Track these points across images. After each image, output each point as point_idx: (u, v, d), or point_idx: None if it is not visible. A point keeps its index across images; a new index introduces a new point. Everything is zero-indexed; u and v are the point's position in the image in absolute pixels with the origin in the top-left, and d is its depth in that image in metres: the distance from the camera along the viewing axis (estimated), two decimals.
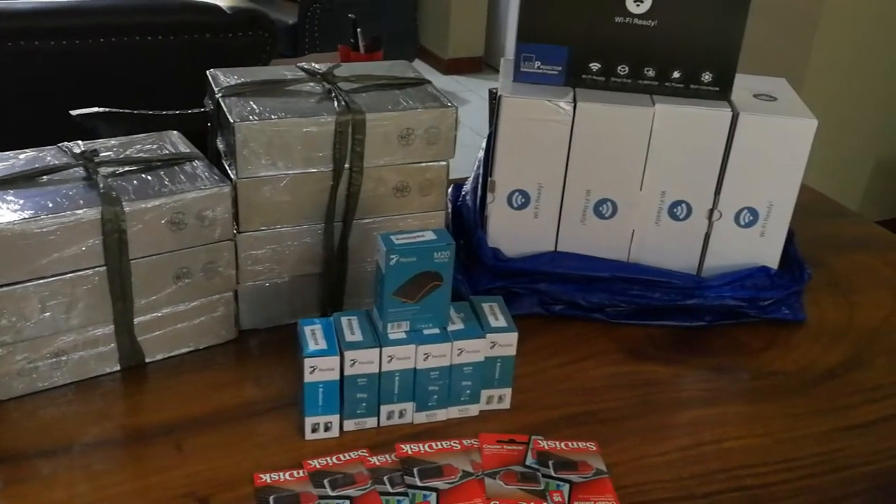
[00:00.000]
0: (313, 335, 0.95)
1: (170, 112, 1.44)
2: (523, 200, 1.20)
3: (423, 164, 1.13)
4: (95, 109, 1.40)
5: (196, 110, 1.48)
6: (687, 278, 1.21)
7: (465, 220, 1.25)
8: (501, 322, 1.00)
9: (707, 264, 1.22)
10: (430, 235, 0.95)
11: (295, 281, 1.14)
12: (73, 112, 1.38)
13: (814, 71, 3.13)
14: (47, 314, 0.96)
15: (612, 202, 1.19)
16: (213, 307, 1.08)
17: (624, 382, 1.09)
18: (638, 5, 1.14)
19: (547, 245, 1.22)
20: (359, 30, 3.20)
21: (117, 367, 1.04)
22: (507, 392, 1.02)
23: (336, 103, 1.09)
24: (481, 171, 1.30)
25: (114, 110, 1.41)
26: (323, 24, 4.33)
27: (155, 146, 1.11)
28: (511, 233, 1.21)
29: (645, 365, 1.12)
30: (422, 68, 4.99)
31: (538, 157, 1.17)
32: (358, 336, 0.96)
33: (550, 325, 1.18)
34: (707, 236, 1.21)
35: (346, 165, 1.09)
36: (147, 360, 1.06)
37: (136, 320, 1.03)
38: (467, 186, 1.30)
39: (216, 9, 2.37)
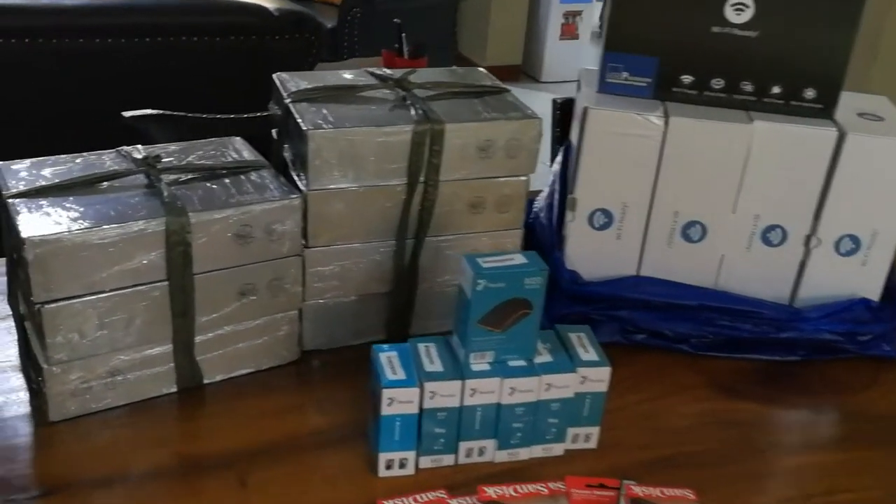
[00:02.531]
0: (390, 363, 0.88)
1: (225, 116, 1.38)
2: (605, 220, 1.12)
3: (502, 179, 1.06)
4: (148, 112, 1.34)
5: (252, 114, 1.42)
6: (780, 309, 1.12)
7: (540, 240, 1.17)
8: (592, 355, 0.92)
9: (801, 294, 1.14)
10: (519, 259, 0.87)
11: (361, 300, 1.07)
12: (126, 114, 1.32)
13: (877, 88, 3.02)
14: (104, 331, 0.90)
15: (701, 224, 1.11)
16: (276, 326, 1.01)
17: (716, 421, 1.01)
18: (738, 14, 1.06)
19: (629, 269, 1.14)
20: (403, 35, 3.14)
21: (174, 389, 0.97)
22: (595, 431, 0.94)
23: (413, 111, 1.02)
24: (557, 186, 1.22)
25: (167, 112, 1.35)
26: (362, 28, 4.27)
27: (217, 152, 1.04)
28: (591, 255, 1.13)
29: (737, 402, 1.04)
30: None
31: (624, 174, 1.09)
32: (438, 366, 0.88)
33: (632, 356, 1.10)
34: (802, 264, 1.12)
35: (421, 179, 1.02)
36: (205, 381, 0.99)
37: (196, 339, 0.96)
38: (541, 202, 1.23)
39: (262, 10, 2.31)
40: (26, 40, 1.94)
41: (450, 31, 4.90)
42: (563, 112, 1.58)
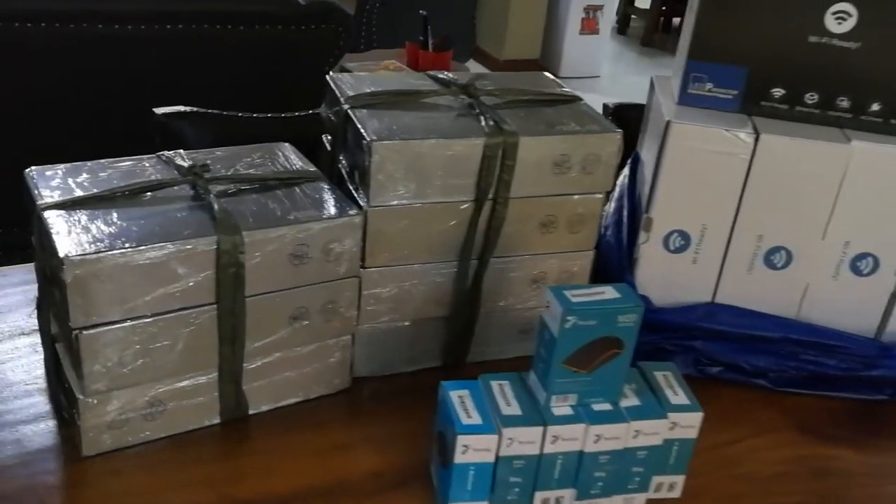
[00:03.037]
0: (462, 404, 0.79)
1: (263, 115, 1.29)
2: (682, 243, 1.03)
3: (577, 197, 0.97)
4: (181, 109, 1.25)
5: (293, 114, 1.33)
6: (867, 344, 1.04)
7: (608, 261, 1.08)
8: (682, 398, 0.84)
9: (890, 328, 1.05)
10: (610, 293, 0.79)
11: (417, 325, 0.98)
12: (158, 110, 1.23)
13: None
14: (146, 359, 0.81)
15: (786, 251, 1.02)
16: (328, 352, 0.93)
17: (806, 470, 0.92)
18: (840, 23, 0.97)
19: (704, 295, 1.06)
20: (429, 28, 3.04)
21: (217, 420, 0.89)
22: (681, 479, 0.85)
23: (483, 122, 0.93)
24: (626, 202, 1.13)
25: (201, 110, 1.26)
26: (380, 19, 4.17)
27: (267, 160, 0.95)
28: (664, 279, 1.05)
29: (826, 447, 0.95)
30: (476, 69, 4.83)
31: (706, 193, 1.01)
32: (515, 408, 0.80)
33: (706, 390, 1.00)
34: (893, 296, 1.04)
35: (490, 195, 0.93)
36: (250, 411, 0.91)
37: (244, 366, 0.88)
38: (607, 219, 1.14)
39: None
40: (44, 24, 1.86)
41: (468, 24, 4.80)
42: (616, 118, 1.49)
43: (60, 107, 1.82)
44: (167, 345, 0.81)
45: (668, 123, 0.98)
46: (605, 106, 1.56)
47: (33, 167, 0.88)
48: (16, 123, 1.78)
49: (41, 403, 0.89)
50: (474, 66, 4.82)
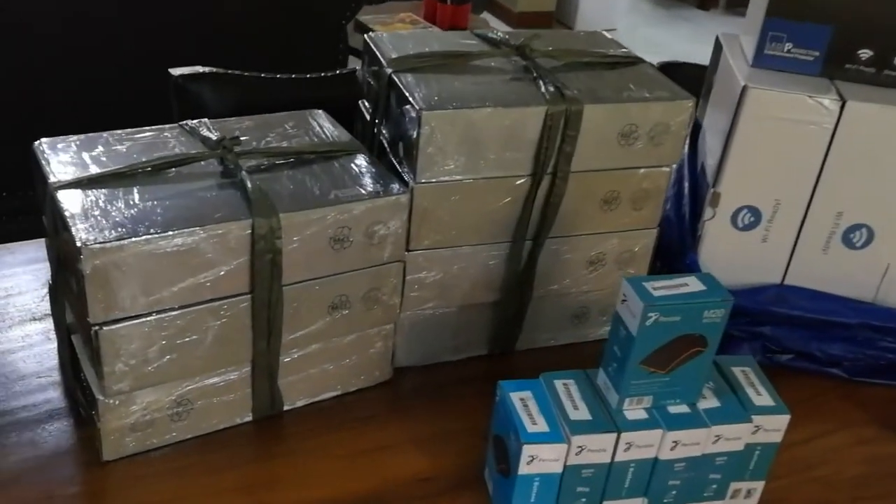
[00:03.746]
0: (526, 408, 0.71)
1: (288, 76, 1.19)
2: (752, 219, 0.94)
3: (643, 170, 0.88)
4: (200, 69, 1.15)
5: (321, 74, 1.23)
6: None
7: (668, 239, 0.99)
8: (766, 398, 0.75)
9: None
10: (695, 284, 0.70)
11: (463, 311, 0.90)
12: (175, 71, 1.13)
13: None
14: (173, 355, 0.73)
15: (867, 228, 0.93)
16: (369, 342, 0.85)
17: (894, 470, 0.85)
18: None
19: (774, 276, 0.97)
20: None
21: (249, 418, 0.81)
22: (759, 486, 0.78)
23: (542, 87, 0.83)
24: (686, 173, 1.04)
25: (222, 71, 1.16)
26: None
27: (300, 130, 0.86)
28: (731, 259, 0.96)
29: None
30: (491, 22, 4.68)
31: (782, 166, 0.91)
32: (584, 412, 0.71)
33: (776, 380, 0.92)
34: None
35: (549, 169, 0.84)
36: (285, 407, 0.83)
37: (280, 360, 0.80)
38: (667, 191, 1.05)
39: None
40: None
41: None
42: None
43: (67, 65, 1.71)
44: (196, 339, 0.73)
45: (744, 89, 0.88)
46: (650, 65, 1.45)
47: (43, 139, 0.79)
48: (19, 82, 1.68)
49: (56, 399, 0.81)
50: (489, 20, 4.67)
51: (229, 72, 1.17)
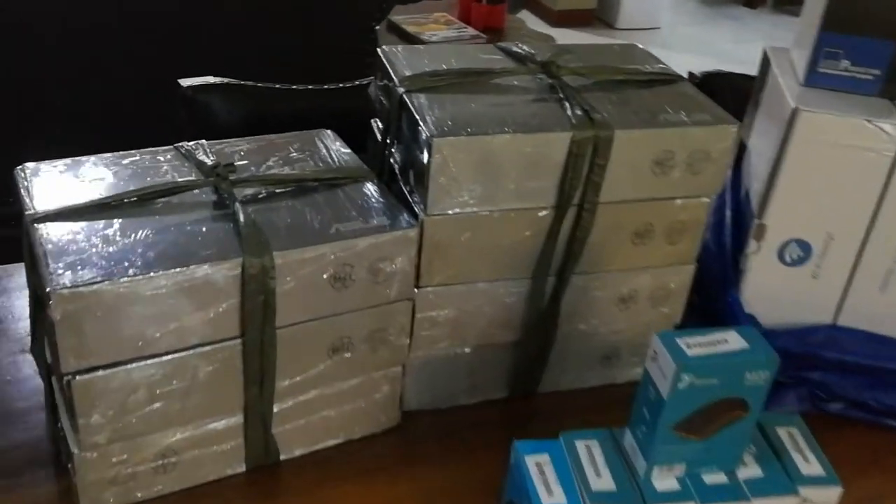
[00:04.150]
0: (542, 475, 0.64)
1: (305, 87, 1.13)
2: (801, 254, 0.86)
3: (679, 201, 0.80)
4: (210, 80, 1.09)
5: (337, 85, 1.16)
6: None
7: (707, 272, 0.91)
8: (815, 466, 0.67)
9: None
10: (735, 341, 0.62)
11: (480, 351, 0.82)
12: (184, 82, 1.08)
13: None
14: (157, 405, 0.67)
15: None
16: (374, 387, 0.78)
17: None
18: None
19: (824, 317, 0.88)
20: None
21: (242, 469, 0.75)
22: None
23: (569, 110, 0.76)
24: (728, 199, 0.95)
25: (233, 82, 1.10)
26: None
27: (304, 153, 0.79)
28: (777, 296, 0.87)
29: None
30: (530, 20, 4.58)
31: (836, 196, 0.82)
32: (607, 481, 0.64)
33: (826, 432, 0.83)
34: None
35: (575, 200, 0.76)
36: (282, 457, 0.76)
37: (274, 407, 0.73)
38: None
39: None
40: None
41: None
42: (707, 90, 1.30)
43: (71, 72, 1.65)
44: (182, 387, 0.67)
45: (794, 111, 0.80)
46: (691, 74, 1.36)
47: (27, 164, 0.73)
48: (19, 92, 1.61)
49: (38, 443, 0.76)
50: (528, 18, 4.57)
51: (241, 83, 1.11)
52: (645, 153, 0.76)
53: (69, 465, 0.68)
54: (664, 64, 0.88)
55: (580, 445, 0.67)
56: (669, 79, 0.84)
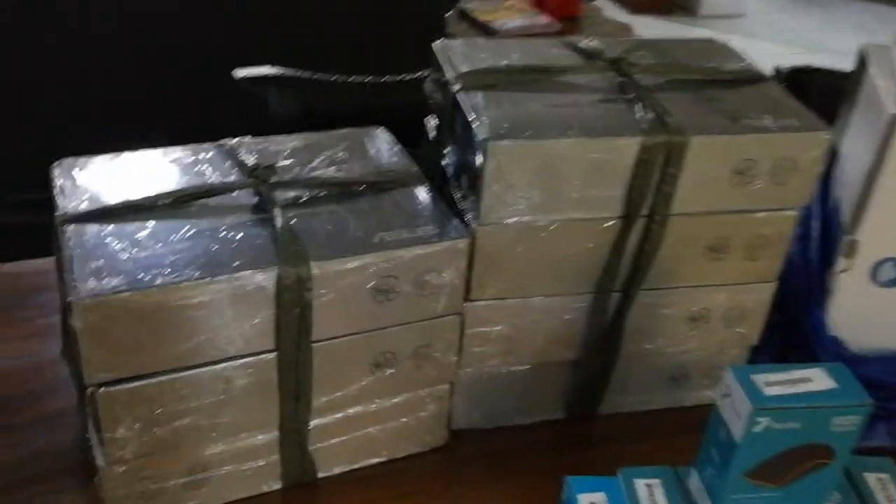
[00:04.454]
0: None
1: (362, 80, 1.09)
2: None
3: (761, 214, 0.72)
4: (267, 71, 1.05)
5: (396, 78, 1.12)
6: None
7: (790, 289, 0.83)
8: None
9: None
10: (821, 380, 0.55)
11: (536, 370, 0.76)
12: (239, 73, 1.04)
13: None
14: (186, 420, 0.63)
15: None
16: (419, 405, 0.73)
17: None
18: None
19: None
20: None
21: (278, 486, 0.71)
22: None
23: (639, 112, 0.69)
24: (816, 211, 0.87)
25: (289, 73, 1.06)
26: None
27: (352, 153, 0.74)
28: (868, 319, 0.79)
29: None
30: (607, 8, 4.46)
31: None
32: None
33: None
34: None
35: (644, 211, 0.70)
36: (319, 474, 0.72)
37: (311, 423, 0.69)
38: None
39: None
40: None
41: None
42: (793, 86, 1.20)
43: (124, 62, 1.63)
44: (213, 402, 0.63)
45: (893, 118, 0.71)
46: (777, 70, 1.27)
47: (63, 160, 0.70)
48: (72, 81, 1.60)
49: (74, 449, 0.73)
50: (605, 6, 4.45)
51: (296, 74, 1.07)
52: (723, 162, 0.69)
53: (96, 479, 0.65)
54: (747, 61, 0.80)
55: (640, 485, 0.60)
56: (753, 78, 0.77)
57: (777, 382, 0.54)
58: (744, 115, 0.70)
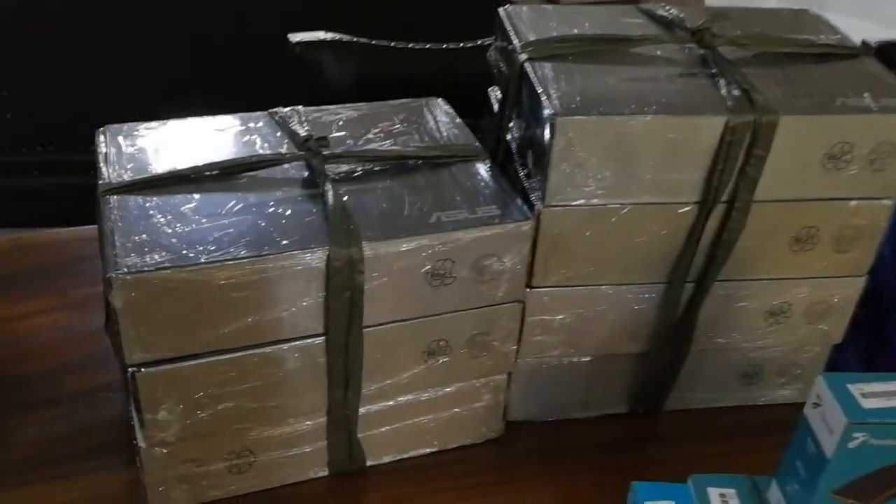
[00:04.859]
0: None
1: (422, 46, 1.04)
2: None
3: (854, 202, 0.66)
4: (320, 36, 1.01)
5: (455, 44, 1.06)
6: None
7: (878, 283, 0.76)
8: None
9: None
10: None
11: (599, 362, 0.72)
12: (292, 37, 1.00)
13: None
14: (231, 403, 0.60)
15: None
16: (474, 395, 0.69)
17: None
18: None
19: None
20: None
21: (324, 473, 0.68)
22: None
23: (724, 88, 0.63)
24: None
25: (344, 38, 1.02)
26: None
27: (410, 125, 0.70)
28: None
29: None
30: None
31: None
32: None
33: None
34: None
35: (725, 197, 0.64)
36: (368, 462, 0.69)
37: (360, 410, 0.65)
38: None
39: None
40: None
41: None
42: (888, 61, 1.12)
43: (175, 27, 1.60)
44: (258, 386, 0.60)
45: None
46: (865, 44, 1.18)
47: (108, 126, 0.67)
48: (120, 48, 1.57)
49: (118, 425, 0.71)
50: None
51: (353, 39, 1.02)
52: (816, 144, 0.62)
53: (137, 460, 0.63)
54: (842, 33, 0.73)
55: (713, 494, 0.55)
56: (849, 52, 0.70)
57: (876, 394, 0.48)
58: (840, 93, 0.64)
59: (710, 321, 0.71)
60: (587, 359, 0.72)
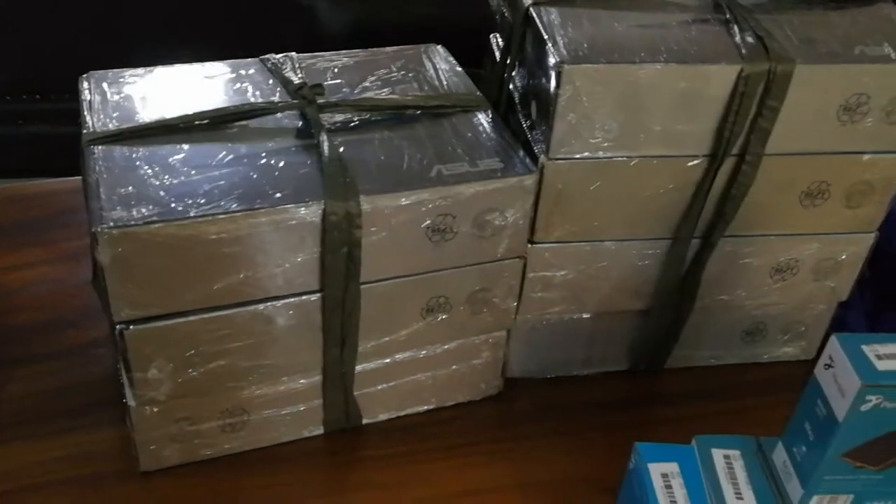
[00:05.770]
0: (668, 490, 0.52)
1: None
2: None
3: (867, 156, 0.64)
4: None
5: None
6: None
7: (886, 241, 0.74)
8: None
9: None
10: None
11: (600, 319, 0.70)
12: None
13: None
14: (223, 361, 0.58)
15: None
16: (474, 352, 0.67)
17: None
18: None
19: None
20: None
21: (319, 431, 0.67)
22: None
23: (738, 35, 0.60)
24: None
25: None
26: None
27: (408, 73, 0.67)
28: None
29: None
30: None
31: None
32: (749, 502, 0.52)
33: None
34: None
35: (735, 150, 0.62)
36: (364, 421, 0.68)
37: (357, 368, 0.64)
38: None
39: None
40: None
41: None
42: None
43: None
44: (251, 343, 0.58)
45: None
46: None
47: (92, 73, 0.64)
48: None
49: (108, 381, 0.69)
50: None
51: None
52: (832, 95, 0.60)
53: (127, 419, 0.61)
54: None
55: (717, 455, 0.54)
56: None
57: (891, 355, 0.47)
58: (858, 41, 0.61)
59: (715, 278, 0.69)
60: (588, 316, 0.70)
